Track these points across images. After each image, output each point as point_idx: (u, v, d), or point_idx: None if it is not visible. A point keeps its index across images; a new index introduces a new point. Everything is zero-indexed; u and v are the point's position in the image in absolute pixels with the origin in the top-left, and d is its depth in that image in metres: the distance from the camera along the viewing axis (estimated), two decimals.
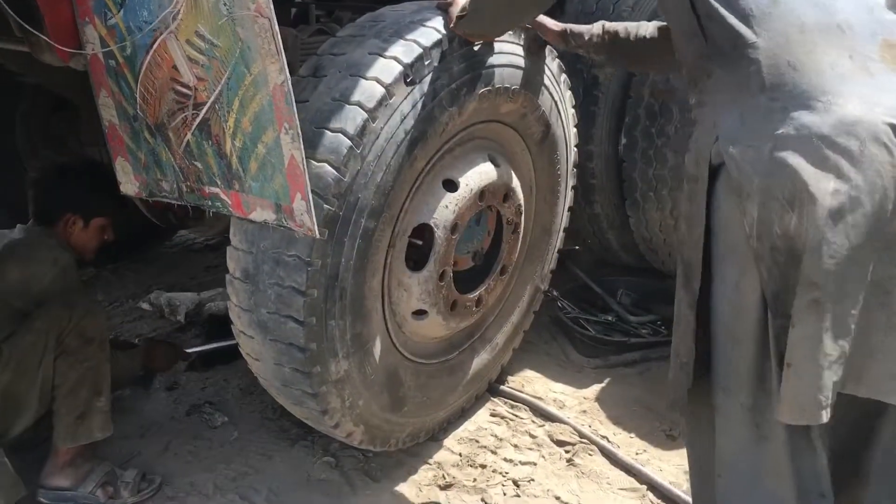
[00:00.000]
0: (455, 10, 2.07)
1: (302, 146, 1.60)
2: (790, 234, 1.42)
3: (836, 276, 1.40)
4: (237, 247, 1.98)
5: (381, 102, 1.89)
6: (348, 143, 1.84)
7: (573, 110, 2.70)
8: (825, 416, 1.44)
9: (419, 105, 1.98)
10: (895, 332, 1.45)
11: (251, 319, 2.02)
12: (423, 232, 2.21)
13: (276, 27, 1.52)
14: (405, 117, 1.95)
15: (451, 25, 2.06)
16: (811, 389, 1.44)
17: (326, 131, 1.85)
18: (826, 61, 1.47)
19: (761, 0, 1.53)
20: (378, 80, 1.90)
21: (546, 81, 2.43)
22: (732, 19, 1.54)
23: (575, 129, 2.74)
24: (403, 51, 1.96)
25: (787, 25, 1.51)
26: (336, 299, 1.97)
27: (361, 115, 1.86)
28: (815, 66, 1.47)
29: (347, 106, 1.87)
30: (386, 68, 1.92)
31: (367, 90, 1.89)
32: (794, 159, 1.42)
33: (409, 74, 1.94)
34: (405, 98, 1.95)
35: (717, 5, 1.56)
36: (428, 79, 1.99)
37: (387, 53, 1.95)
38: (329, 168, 1.82)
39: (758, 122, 1.49)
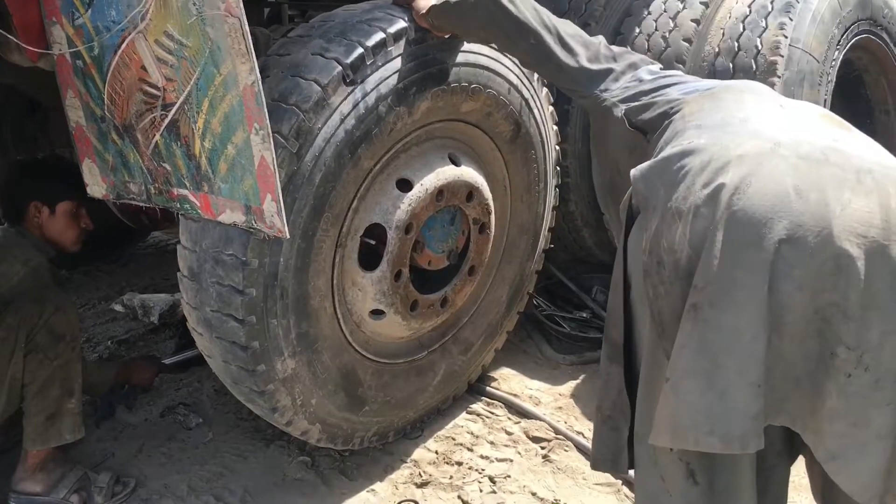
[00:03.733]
0: (420, 4, 2.07)
1: (273, 147, 1.60)
2: (674, 247, 1.33)
3: (720, 280, 1.26)
4: (184, 245, 2.01)
5: (319, 103, 1.90)
6: (283, 143, 1.85)
7: (551, 108, 2.69)
8: (716, 443, 1.28)
9: (361, 105, 1.98)
10: (822, 364, 1.28)
11: (199, 317, 2.05)
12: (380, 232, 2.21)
13: (247, 27, 1.52)
14: (345, 118, 1.96)
15: (419, 19, 2.07)
16: (690, 409, 1.29)
17: None
18: (750, 100, 1.51)
19: (696, 93, 1.62)
20: (316, 81, 1.90)
21: (514, 79, 2.42)
22: (668, 101, 1.61)
23: (555, 128, 2.74)
24: (344, 51, 1.96)
25: (715, 89, 1.59)
26: (277, 298, 1.98)
27: (297, 116, 1.87)
28: (738, 100, 1.51)
29: (284, 107, 1.88)
30: (325, 69, 1.93)
31: (305, 91, 1.89)
32: (696, 162, 1.37)
33: (349, 75, 1.95)
34: (345, 98, 1.95)
35: (655, 101, 1.65)
36: (371, 79, 1.99)
37: (328, 54, 1.95)
38: None
39: (668, 142, 1.49)
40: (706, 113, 1.51)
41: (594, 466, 1.67)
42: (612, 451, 1.56)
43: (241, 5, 1.50)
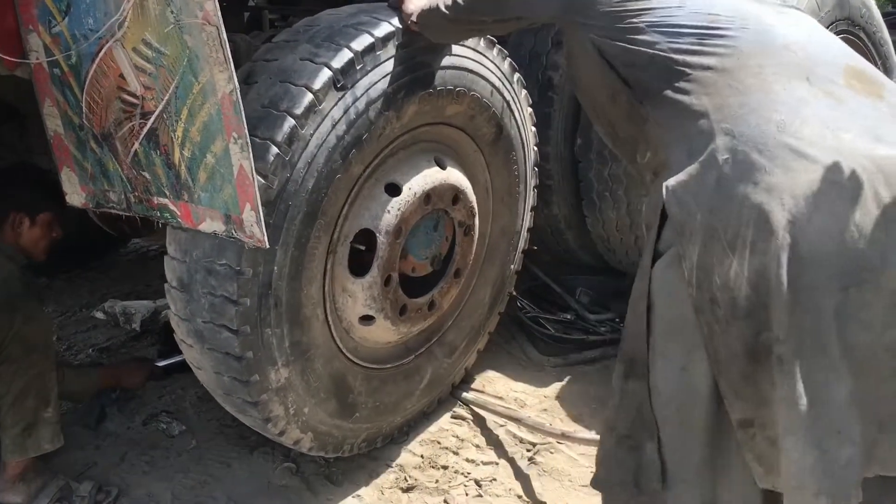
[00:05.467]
0: (409, 7, 2.06)
1: (251, 156, 1.59)
2: (729, 284, 1.24)
3: (799, 330, 1.20)
4: (172, 256, 1.98)
5: (310, 109, 1.90)
6: (276, 150, 1.85)
7: (530, 109, 2.71)
8: (824, 501, 1.22)
9: (352, 110, 1.98)
10: None
11: (189, 328, 2.02)
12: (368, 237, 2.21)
13: (224, 35, 1.51)
14: (336, 123, 1.96)
15: (409, 23, 2.07)
16: (797, 469, 1.24)
17: (255, 139, 1.84)
18: (777, 82, 1.33)
19: (685, 39, 1.43)
20: (307, 87, 1.90)
21: (496, 82, 2.44)
22: (661, 59, 1.43)
23: (534, 129, 2.76)
24: (334, 56, 1.96)
25: (723, 56, 1.39)
26: (270, 307, 1.97)
27: (289, 123, 1.87)
28: (763, 86, 1.32)
29: (276, 113, 1.87)
30: (315, 74, 1.92)
31: (296, 97, 1.89)
32: (741, 190, 1.25)
33: (340, 80, 1.95)
34: (336, 104, 1.95)
35: (637, 49, 1.46)
36: (361, 83, 1.99)
37: (317, 59, 1.95)
38: (257, 176, 1.81)
39: (702, 148, 1.33)
40: (734, 112, 1.33)
41: (598, 485, 1.56)
42: (633, 472, 1.46)
43: (219, 13, 1.49)
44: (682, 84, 1.40)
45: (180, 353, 2.83)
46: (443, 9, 1.89)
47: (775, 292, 1.20)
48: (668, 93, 1.42)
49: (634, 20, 1.49)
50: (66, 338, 3.30)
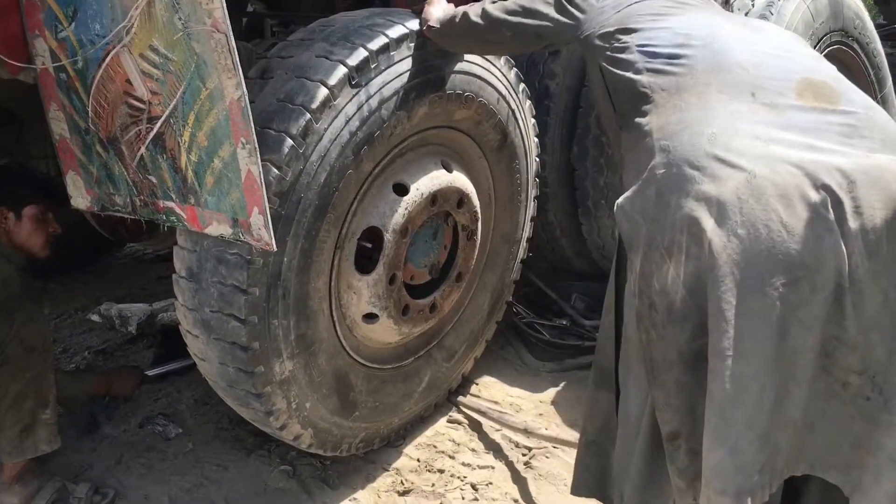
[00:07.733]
0: (431, 14, 2.10)
1: (259, 161, 1.61)
2: (667, 288, 1.28)
3: (723, 329, 1.22)
4: (182, 245, 2.00)
5: (325, 104, 1.93)
6: (291, 142, 1.87)
7: (533, 120, 2.74)
8: (728, 502, 1.25)
9: (365, 108, 2.01)
10: (836, 398, 1.27)
11: (196, 318, 2.03)
12: (375, 235, 2.23)
13: (233, 42, 1.53)
14: (350, 119, 1.99)
15: (427, 31, 2.11)
16: (704, 468, 1.25)
17: (270, 131, 1.87)
18: (717, 98, 1.39)
19: (658, 60, 1.49)
20: (323, 82, 1.93)
21: (502, 90, 2.48)
22: (634, 83, 1.50)
23: (536, 140, 2.79)
24: (349, 54, 1.99)
25: (680, 76, 1.45)
26: (279, 298, 1.99)
27: (305, 116, 1.89)
28: (703, 103, 1.39)
29: (291, 107, 1.90)
30: (331, 70, 1.96)
31: (311, 91, 1.92)
32: (674, 199, 1.30)
33: (355, 77, 1.98)
34: (350, 100, 1.98)
35: (620, 73, 1.53)
36: (374, 82, 2.03)
37: (333, 56, 1.98)
38: (271, 167, 1.85)
39: (645, 167, 1.39)
40: (672, 129, 1.40)
41: (574, 491, 1.65)
42: (596, 476, 1.54)
43: (228, 21, 1.51)
44: (643, 107, 1.47)
45: (175, 358, 2.89)
46: (472, 17, 1.93)
47: (710, 296, 1.24)
48: (634, 117, 1.48)
49: (625, 38, 1.56)
50: (62, 340, 3.30)
